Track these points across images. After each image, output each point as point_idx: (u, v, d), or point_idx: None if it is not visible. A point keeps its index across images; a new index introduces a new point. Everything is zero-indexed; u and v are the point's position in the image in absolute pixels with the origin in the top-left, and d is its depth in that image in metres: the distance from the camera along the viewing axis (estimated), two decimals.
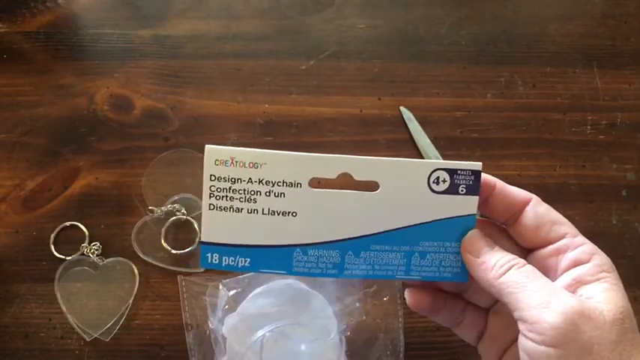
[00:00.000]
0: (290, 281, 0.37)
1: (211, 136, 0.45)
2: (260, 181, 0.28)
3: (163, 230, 0.43)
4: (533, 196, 0.28)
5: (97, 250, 0.42)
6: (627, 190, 0.45)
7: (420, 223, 0.28)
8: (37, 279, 0.42)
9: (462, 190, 0.28)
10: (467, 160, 0.45)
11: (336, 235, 0.29)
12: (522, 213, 0.28)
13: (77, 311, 0.41)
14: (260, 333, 0.34)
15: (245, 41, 0.48)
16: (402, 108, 0.46)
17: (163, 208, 0.43)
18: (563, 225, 0.27)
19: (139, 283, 0.42)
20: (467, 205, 0.28)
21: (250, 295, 0.37)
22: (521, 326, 0.24)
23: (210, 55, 0.47)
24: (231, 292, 0.37)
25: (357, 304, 0.37)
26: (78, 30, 0.48)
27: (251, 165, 0.28)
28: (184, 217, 0.43)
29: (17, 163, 0.44)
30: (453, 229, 0.29)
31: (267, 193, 0.28)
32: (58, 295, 0.41)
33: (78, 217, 0.43)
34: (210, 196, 0.28)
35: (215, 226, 0.28)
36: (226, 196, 0.28)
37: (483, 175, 0.28)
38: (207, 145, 0.28)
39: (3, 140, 0.45)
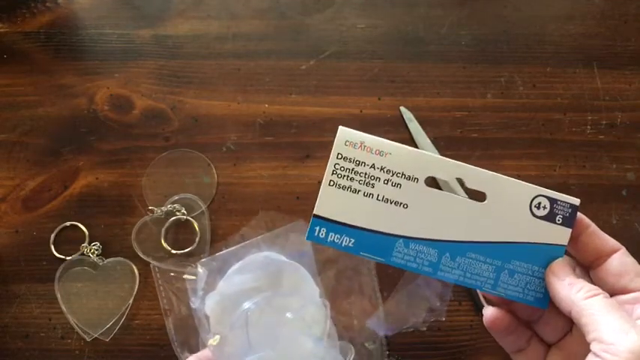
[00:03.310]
0: (267, 253, 0.38)
1: (211, 136, 0.45)
2: (382, 169, 0.29)
3: (163, 230, 0.43)
4: (622, 246, 0.30)
5: (97, 250, 0.42)
6: (627, 190, 0.45)
7: (516, 242, 0.30)
8: (37, 279, 0.42)
9: (559, 220, 0.30)
10: (466, 161, 0.45)
11: (438, 234, 0.30)
12: (608, 259, 0.29)
13: (77, 311, 0.41)
14: (245, 306, 0.35)
15: (245, 41, 0.48)
16: (402, 108, 0.46)
17: (163, 208, 0.43)
18: None
19: (139, 283, 0.42)
20: (560, 235, 0.30)
21: (229, 272, 0.37)
22: (596, 347, 0.26)
23: (210, 55, 0.47)
24: (210, 271, 0.38)
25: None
26: (78, 30, 0.48)
27: (377, 152, 0.29)
28: (184, 217, 0.43)
29: (17, 163, 0.44)
30: (544, 255, 0.30)
31: (386, 181, 0.29)
32: (58, 295, 0.41)
33: (78, 217, 0.43)
34: (332, 173, 0.29)
35: (330, 202, 0.29)
36: (347, 176, 0.29)
37: (580, 215, 0.30)
38: (340, 127, 0.29)
39: (3, 140, 0.45)
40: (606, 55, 0.49)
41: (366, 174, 0.29)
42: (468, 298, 0.42)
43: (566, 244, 0.30)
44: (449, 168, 0.30)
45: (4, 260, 0.42)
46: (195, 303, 0.37)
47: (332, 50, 0.48)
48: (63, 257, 0.42)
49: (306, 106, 0.46)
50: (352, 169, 0.29)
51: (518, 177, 0.45)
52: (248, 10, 0.49)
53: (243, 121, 0.46)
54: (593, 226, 0.30)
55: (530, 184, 0.30)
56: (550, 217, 0.30)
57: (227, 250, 0.38)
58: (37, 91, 0.46)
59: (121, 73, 0.47)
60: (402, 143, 0.45)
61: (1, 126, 0.45)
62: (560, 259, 0.30)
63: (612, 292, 0.29)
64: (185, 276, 0.38)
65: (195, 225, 0.43)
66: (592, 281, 0.30)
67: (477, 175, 0.30)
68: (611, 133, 0.47)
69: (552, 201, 0.30)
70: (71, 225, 0.43)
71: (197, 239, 0.43)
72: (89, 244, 0.42)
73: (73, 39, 0.48)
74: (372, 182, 0.29)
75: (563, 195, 0.30)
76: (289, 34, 0.48)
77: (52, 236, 0.42)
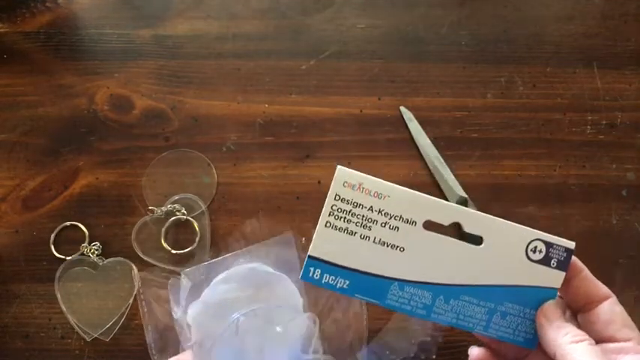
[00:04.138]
0: (253, 265, 0.38)
1: (211, 135, 0.45)
2: (380, 212, 0.29)
3: (163, 230, 0.43)
4: (613, 294, 0.30)
5: (97, 250, 0.42)
6: (627, 190, 0.45)
7: (510, 285, 0.30)
8: (37, 279, 0.42)
9: (553, 264, 0.30)
10: (466, 161, 0.45)
11: (433, 277, 0.30)
12: (599, 305, 0.30)
13: (77, 311, 0.41)
14: (235, 316, 0.35)
15: (245, 41, 0.48)
16: (402, 108, 0.46)
17: (163, 208, 0.43)
18: (633, 330, 0.29)
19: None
20: (553, 278, 0.30)
21: (214, 281, 0.37)
22: None
23: (211, 55, 0.47)
24: (193, 281, 0.38)
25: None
26: (78, 30, 0.48)
27: (376, 194, 0.29)
28: (184, 217, 0.43)
29: (17, 163, 0.44)
30: (536, 297, 0.30)
31: (383, 224, 0.29)
32: (58, 295, 0.41)
33: (78, 217, 0.43)
34: (329, 214, 0.29)
35: (326, 243, 0.29)
36: (344, 218, 0.29)
37: (574, 259, 0.30)
38: (339, 166, 0.29)
39: (3, 140, 0.45)
40: (606, 55, 0.49)
41: (363, 216, 0.29)
42: None
43: (559, 287, 0.30)
44: (447, 211, 0.29)
45: (4, 260, 0.42)
46: (177, 313, 0.37)
47: (332, 50, 0.48)
48: (63, 257, 0.42)
49: (306, 106, 0.46)
50: (349, 211, 0.29)
51: (519, 177, 0.45)
52: (248, 10, 0.49)
53: (243, 121, 0.46)
54: (586, 271, 0.30)
55: (528, 228, 0.30)
56: (545, 261, 0.30)
57: (212, 260, 0.38)
58: (37, 91, 0.46)
59: (121, 73, 0.47)
60: (402, 143, 0.46)
61: (1, 126, 0.45)
62: (551, 301, 0.30)
63: (598, 339, 0.29)
64: (170, 282, 0.38)
65: (195, 225, 0.43)
66: (580, 325, 0.30)
67: (475, 219, 0.30)
68: (611, 133, 0.47)
69: (548, 245, 0.30)
70: (71, 225, 0.43)
71: (197, 239, 0.43)
72: (89, 244, 0.42)
73: (73, 39, 0.48)
74: (369, 225, 0.29)
75: (559, 238, 0.30)
76: (289, 34, 0.48)
77: (52, 236, 0.42)
